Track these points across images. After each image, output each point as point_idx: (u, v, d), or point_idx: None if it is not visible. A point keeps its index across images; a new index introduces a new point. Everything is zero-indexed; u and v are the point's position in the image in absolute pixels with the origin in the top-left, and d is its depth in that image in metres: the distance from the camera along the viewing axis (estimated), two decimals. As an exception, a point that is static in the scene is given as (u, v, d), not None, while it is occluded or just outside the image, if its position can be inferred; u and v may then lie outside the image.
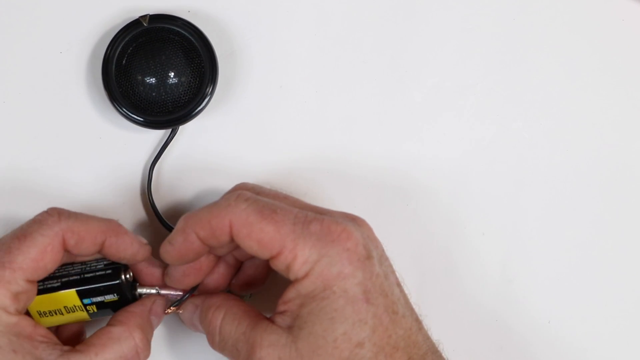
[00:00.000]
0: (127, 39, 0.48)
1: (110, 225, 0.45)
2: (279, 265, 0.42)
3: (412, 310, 0.44)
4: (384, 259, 0.44)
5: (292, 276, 0.42)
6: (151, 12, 0.49)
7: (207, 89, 0.49)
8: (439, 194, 0.52)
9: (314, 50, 0.52)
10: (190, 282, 0.47)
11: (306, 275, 0.42)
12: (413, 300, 0.45)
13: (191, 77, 0.49)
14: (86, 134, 0.50)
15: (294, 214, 0.43)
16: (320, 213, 0.44)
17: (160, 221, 0.50)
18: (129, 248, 0.45)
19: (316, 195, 0.49)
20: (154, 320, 0.47)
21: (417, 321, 0.44)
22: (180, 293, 0.48)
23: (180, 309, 0.48)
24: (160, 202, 0.51)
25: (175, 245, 0.44)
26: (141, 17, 0.48)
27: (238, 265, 0.48)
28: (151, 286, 0.47)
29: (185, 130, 0.50)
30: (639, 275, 0.53)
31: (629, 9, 0.53)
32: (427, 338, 0.44)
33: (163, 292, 0.48)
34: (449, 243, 0.52)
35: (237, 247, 0.45)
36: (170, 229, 0.50)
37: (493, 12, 0.52)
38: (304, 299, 0.42)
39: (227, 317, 0.44)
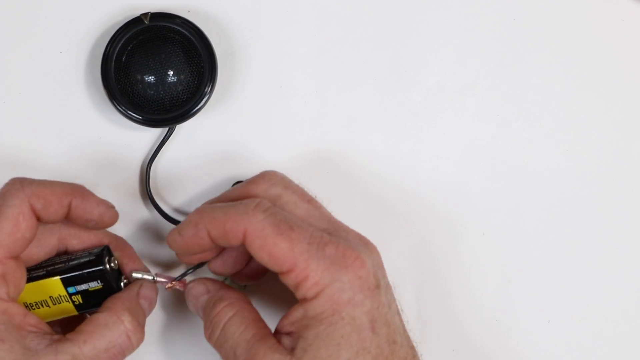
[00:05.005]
0: (127, 36, 0.48)
1: (75, 187, 0.45)
2: (288, 281, 0.42)
3: (408, 338, 0.44)
4: (388, 287, 0.44)
5: (300, 295, 0.42)
6: (151, 11, 0.49)
7: (206, 88, 0.49)
8: (439, 194, 0.52)
9: (314, 50, 0.52)
10: (195, 261, 0.47)
11: (315, 297, 0.42)
12: (413, 301, 0.45)
13: (190, 76, 0.49)
14: (86, 133, 0.50)
15: (309, 233, 0.42)
16: (336, 230, 0.44)
17: (163, 216, 0.50)
18: (95, 209, 0.45)
19: (316, 196, 0.48)
20: (144, 303, 0.46)
21: (412, 349, 0.44)
22: (182, 283, 0.48)
23: (181, 285, 0.47)
24: (160, 199, 0.51)
25: (184, 237, 0.44)
26: (142, 14, 0.48)
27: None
28: (147, 271, 0.47)
29: (186, 128, 0.50)
30: (638, 275, 0.53)
31: (629, 9, 0.53)
32: None
33: (159, 279, 0.47)
34: (449, 243, 0.52)
35: None
36: (173, 221, 0.50)
37: (493, 12, 0.52)
38: (310, 320, 0.42)
39: (236, 318, 0.44)
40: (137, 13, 0.49)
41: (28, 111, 0.50)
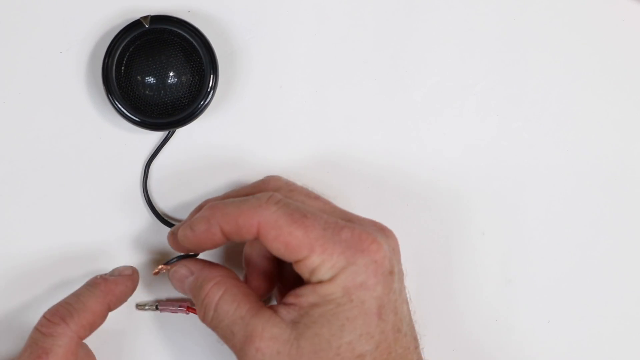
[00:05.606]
0: (127, 39, 0.48)
1: (104, 291, 0.46)
2: (303, 268, 0.42)
3: (412, 328, 0.44)
4: (401, 274, 0.44)
5: (315, 279, 0.42)
6: (151, 13, 0.49)
7: (208, 92, 0.49)
8: (439, 193, 0.52)
9: (314, 50, 0.52)
10: (196, 251, 0.47)
11: (330, 280, 0.42)
12: (413, 301, 0.45)
13: (191, 79, 0.49)
14: (86, 133, 0.50)
15: (324, 220, 0.43)
16: (350, 220, 0.44)
17: (159, 219, 0.50)
18: (126, 289, 0.46)
19: (322, 194, 0.49)
20: None
21: (415, 340, 0.44)
22: (183, 309, 0.49)
23: (169, 269, 0.48)
24: (161, 200, 0.51)
25: (196, 232, 0.44)
26: (142, 17, 0.48)
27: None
28: (151, 304, 0.49)
29: (186, 129, 0.50)
30: (638, 275, 0.53)
31: (629, 9, 0.53)
32: (420, 358, 0.44)
33: (162, 307, 0.49)
34: (449, 243, 0.52)
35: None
36: (167, 224, 0.50)
37: (493, 12, 0.52)
38: (319, 299, 0.42)
39: (226, 296, 0.44)
40: (138, 13, 0.49)
41: (28, 111, 0.50)
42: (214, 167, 0.51)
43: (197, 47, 0.49)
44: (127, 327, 0.51)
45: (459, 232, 0.52)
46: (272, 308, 0.43)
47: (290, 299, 0.43)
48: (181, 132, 0.50)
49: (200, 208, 0.47)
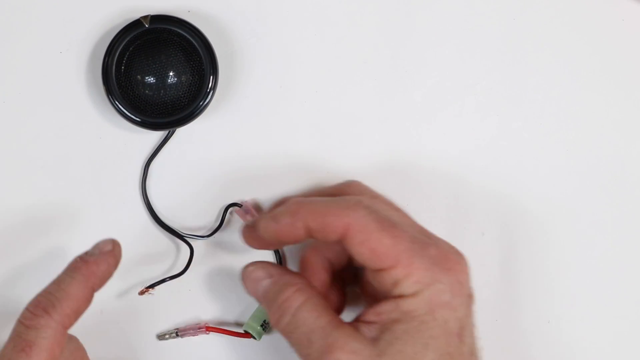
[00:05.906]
0: (127, 39, 0.48)
1: (85, 274, 0.44)
2: (386, 278, 0.42)
3: (480, 355, 0.44)
4: (474, 299, 0.44)
5: (397, 292, 0.42)
6: (151, 12, 0.49)
7: (208, 92, 0.49)
8: (439, 193, 0.52)
9: (314, 50, 0.52)
10: (270, 247, 0.46)
11: (413, 295, 0.41)
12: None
13: (191, 79, 0.49)
14: (86, 133, 0.50)
15: (411, 233, 0.42)
16: (429, 236, 0.44)
17: (155, 220, 0.50)
18: (108, 267, 0.44)
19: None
20: None
21: None
22: (203, 330, 0.49)
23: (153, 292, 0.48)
24: (160, 201, 0.51)
25: (279, 225, 0.43)
26: (142, 17, 0.48)
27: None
28: (171, 332, 0.50)
29: (186, 129, 0.50)
30: (638, 275, 0.53)
31: (629, 9, 0.53)
32: None
33: (182, 332, 0.49)
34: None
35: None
36: (166, 228, 0.50)
37: (493, 12, 0.52)
38: (402, 315, 0.41)
39: (308, 304, 0.43)
40: (138, 13, 0.49)
41: (28, 111, 0.50)
42: (213, 167, 0.51)
43: (197, 47, 0.49)
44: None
45: (459, 232, 0.52)
46: (352, 324, 0.42)
47: (370, 316, 0.42)
48: (181, 132, 0.50)
49: (279, 204, 0.47)
